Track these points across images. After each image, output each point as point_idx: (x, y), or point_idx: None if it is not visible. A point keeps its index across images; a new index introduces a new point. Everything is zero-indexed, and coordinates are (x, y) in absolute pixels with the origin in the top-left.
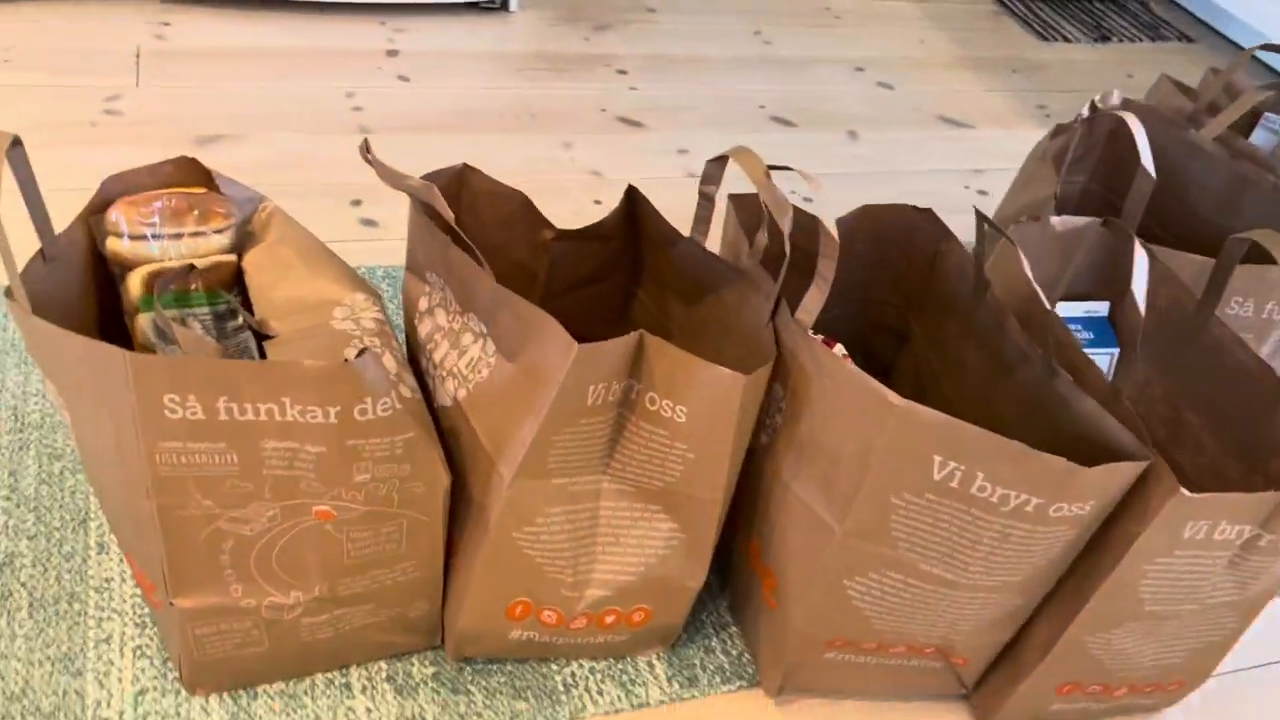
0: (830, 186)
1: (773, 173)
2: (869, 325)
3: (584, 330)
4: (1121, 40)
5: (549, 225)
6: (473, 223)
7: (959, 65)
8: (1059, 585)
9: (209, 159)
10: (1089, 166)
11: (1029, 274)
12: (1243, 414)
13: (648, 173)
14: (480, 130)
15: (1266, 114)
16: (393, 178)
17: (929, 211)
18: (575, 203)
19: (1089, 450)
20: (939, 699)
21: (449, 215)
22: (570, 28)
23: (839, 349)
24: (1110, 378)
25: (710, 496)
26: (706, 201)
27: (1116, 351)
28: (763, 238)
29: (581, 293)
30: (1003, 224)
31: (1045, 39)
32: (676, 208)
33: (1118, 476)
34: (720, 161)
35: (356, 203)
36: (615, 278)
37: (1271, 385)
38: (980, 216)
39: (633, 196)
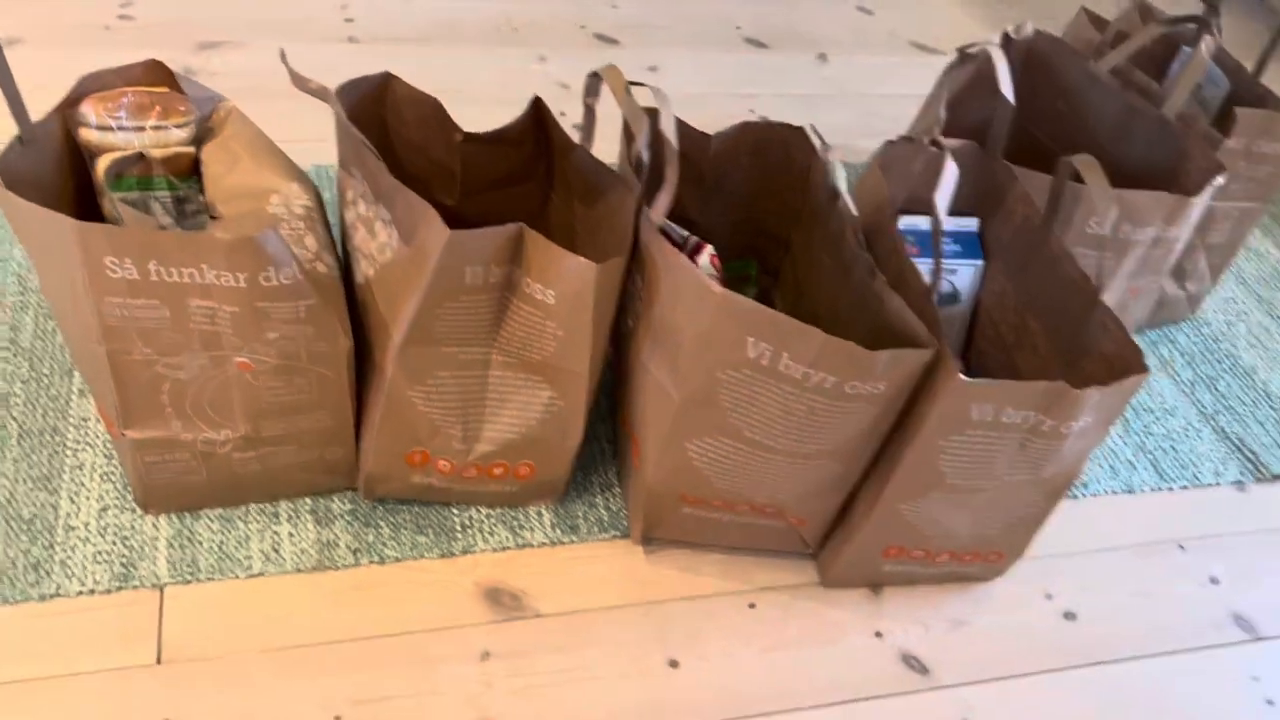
0: (792, 108)
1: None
2: (757, 231)
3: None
4: None
5: (458, 129)
6: (396, 124)
7: None
8: (876, 458)
9: (209, 63)
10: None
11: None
12: (1067, 320)
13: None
14: (462, 42)
15: (1183, 47)
16: (300, 82)
17: (800, 130)
18: None
19: (896, 341)
20: (789, 556)
21: (342, 115)
22: None
23: (709, 250)
24: (978, 286)
25: (579, 369)
26: (589, 112)
27: (981, 263)
28: (636, 149)
29: (499, 193)
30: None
31: None
32: None
33: (903, 361)
34: (597, 76)
35: None
36: (531, 180)
37: (1088, 294)
38: (814, 133)
39: (537, 106)
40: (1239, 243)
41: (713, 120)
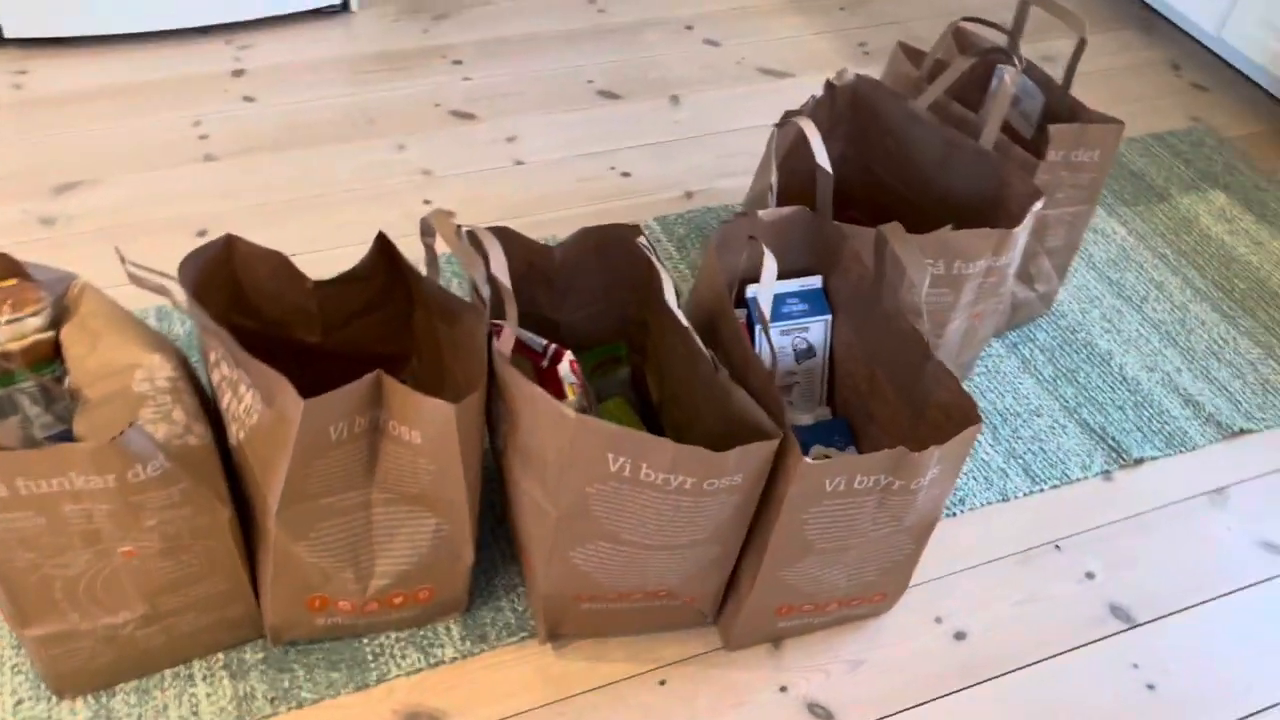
0: (649, 159)
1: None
2: (619, 318)
3: (374, 348)
4: None
5: (306, 278)
6: (248, 278)
7: (787, 9)
8: (752, 532)
9: (68, 207)
10: (842, 135)
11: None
12: (907, 372)
13: (477, 165)
14: (319, 142)
15: (998, 66)
16: (139, 281)
17: (636, 227)
18: (404, 205)
19: (745, 429)
20: (690, 629)
21: (187, 298)
22: (411, 20)
23: (568, 357)
24: (830, 338)
25: (457, 498)
26: (429, 251)
27: (829, 317)
28: (480, 277)
29: (362, 321)
30: (748, 206)
31: None
32: (506, 196)
33: (752, 454)
34: (428, 221)
35: (202, 233)
36: (391, 305)
37: (921, 348)
38: (646, 245)
39: (382, 242)
40: (1077, 242)
41: (575, 187)
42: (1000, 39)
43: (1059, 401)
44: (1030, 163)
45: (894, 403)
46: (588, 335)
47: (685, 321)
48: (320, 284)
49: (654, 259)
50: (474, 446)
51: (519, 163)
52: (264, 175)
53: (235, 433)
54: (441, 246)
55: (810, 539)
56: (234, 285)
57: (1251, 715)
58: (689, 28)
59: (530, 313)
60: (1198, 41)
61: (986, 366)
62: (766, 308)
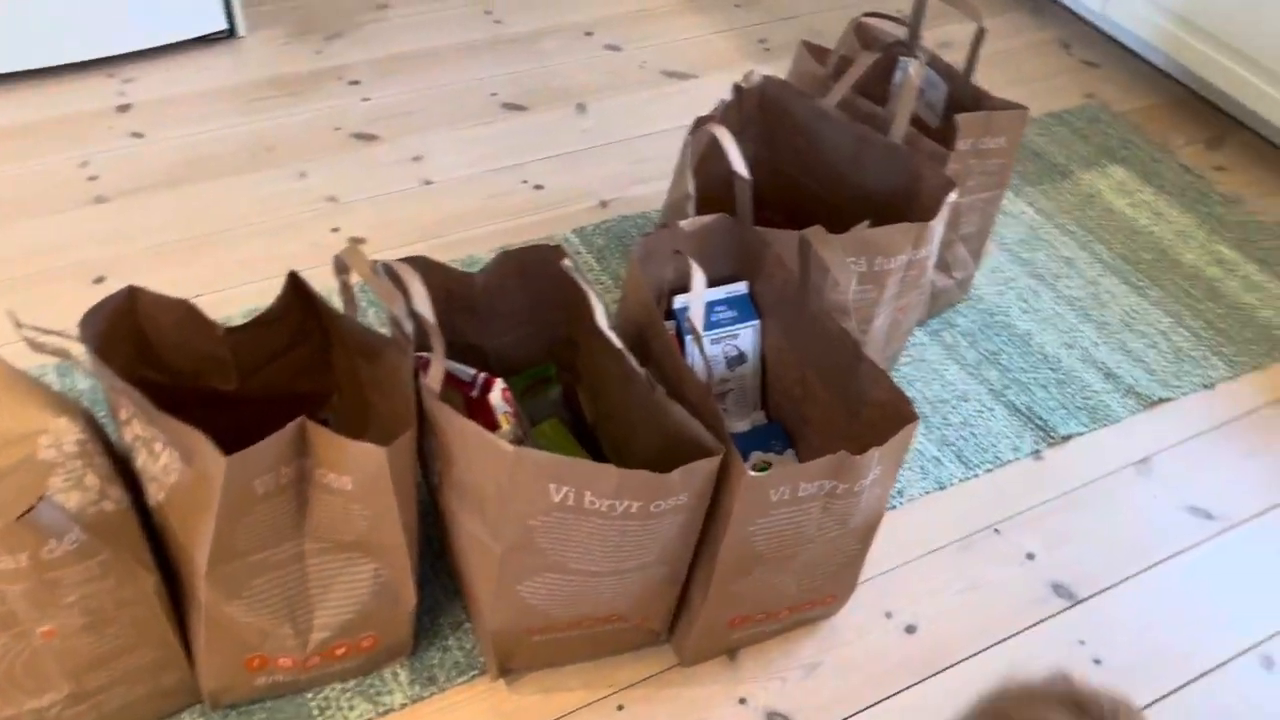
0: (560, 169)
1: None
2: (547, 338)
3: (292, 389)
4: None
5: (216, 325)
6: (154, 330)
7: (686, 9)
8: (700, 548)
9: None
10: (752, 136)
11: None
12: (839, 372)
13: (383, 188)
14: (216, 175)
15: (900, 58)
16: (37, 346)
17: (558, 248)
18: (311, 235)
19: (686, 446)
20: (644, 650)
21: (91, 357)
22: (301, 42)
23: (499, 385)
24: (760, 343)
25: (395, 542)
26: (345, 288)
27: (757, 322)
28: (401, 311)
29: (278, 363)
30: (663, 219)
31: None
32: (416, 218)
33: (696, 472)
34: (342, 259)
35: (99, 280)
36: (307, 344)
37: (853, 348)
38: (572, 269)
39: (294, 280)
40: (990, 226)
41: (487, 203)
42: (900, 31)
43: (984, 385)
44: (941, 154)
45: (828, 404)
46: (516, 359)
47: (619, 343)
48: (232, 330)
49: (582, 283)
50: (408, 487)
51: (427, 182)
52: (159, 214)
53: (154, 493)
54: (357, 278)
55: (759, 550)
56: (139, 338)
57: (1195, 680)
58: (588, 34)
59: (455, 341)
60: (1085, 20)
61: (911, 355)
62: (699, 320)
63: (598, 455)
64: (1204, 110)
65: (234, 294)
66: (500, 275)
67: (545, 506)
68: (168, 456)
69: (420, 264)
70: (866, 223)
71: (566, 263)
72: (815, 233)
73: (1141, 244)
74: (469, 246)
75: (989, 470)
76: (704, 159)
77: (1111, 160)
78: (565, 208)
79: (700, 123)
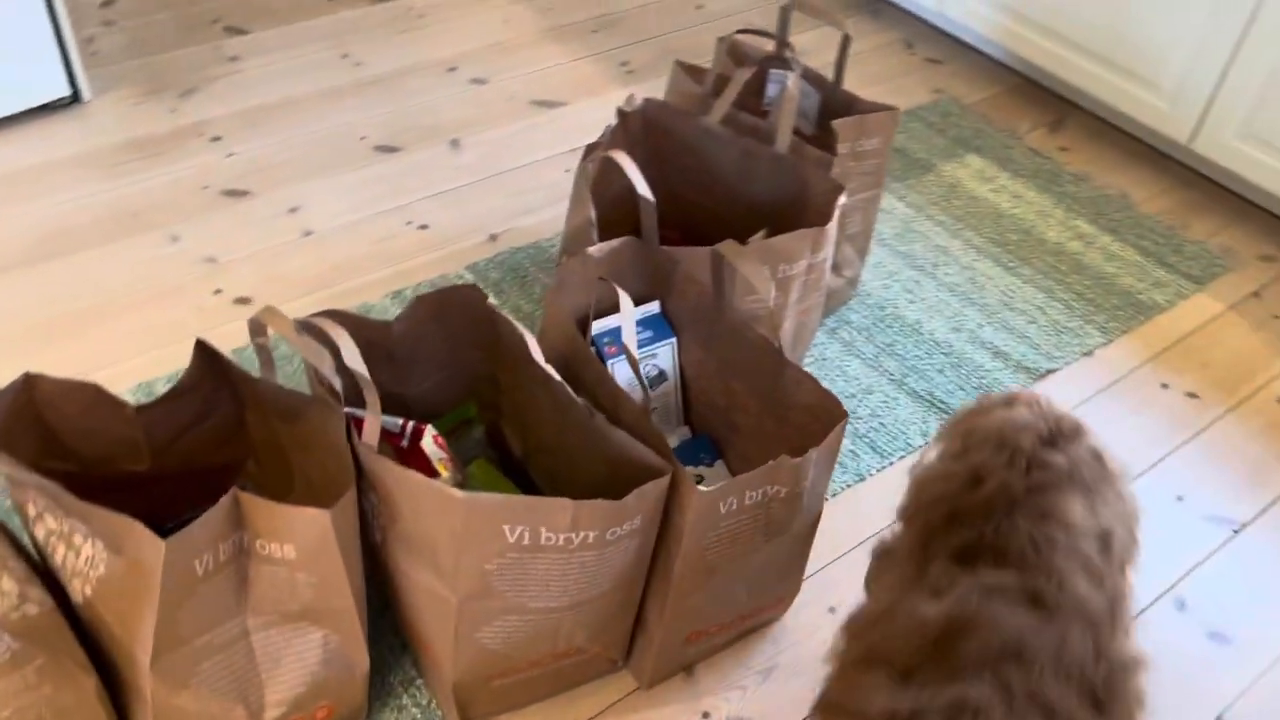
0: (443, 208)
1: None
2: (467, 377)
3: (204, 461)
4: None
5: (126, 405)
6: (57, 417)
7: (545, 39)
8: (653, 569)
9: None
10: (639, 158)
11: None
12: (764, 379)
13: (263, 243)
14: (83, 247)
15: (771, 70)
16: None
17: (475, 287)
18: (194, 299)
19: (632, 469)
20: (603, 678)
21: None
22: (154, 102)
23: (429, 432)
24: (676, 362)
25: (344, 605)
26: (262, 350)
27: (674, 339)
28: (325, 375)
29: (191, 435)
30: (563, 249)
31: None
32: (303, 270)
33: (648, 494)
34: (259, 320)
35: None
36: (219, 411)
37: (775, 354)
38: (498, 311)
39: (203, 350)
40: (872, 224)
41: (374, 248)
42: (765, 44)
43: (885, 376)
44: (825, 159)
45: (756, 411)
46: (437, 403)
47: (556, 375)
48: (143, 408)
49: (510, 319)
50: (353, 548)
51: (308, 233)
52: (26, 296)
53: (79, 589)
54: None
55: (711, 562)
56: (41, 428)
57: None
58: (452, 69)
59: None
60: (924, 20)
61: (813, 355)
62: (632, 343)
63: (530, 490)
64: (1043, 96)
65: (123, 370)
66: (417, 320)
67: (501, 549)
68: (91, 548)
69: (335, 317)
70: (763, 233)
71: (492, 301)
72: (728, 246)
73: (1007, 226)
74: (362, 294)
75: (903, 457)
76: (597, 184)
77: (967, 150)
78: (455, 245)
79: (591, 150)
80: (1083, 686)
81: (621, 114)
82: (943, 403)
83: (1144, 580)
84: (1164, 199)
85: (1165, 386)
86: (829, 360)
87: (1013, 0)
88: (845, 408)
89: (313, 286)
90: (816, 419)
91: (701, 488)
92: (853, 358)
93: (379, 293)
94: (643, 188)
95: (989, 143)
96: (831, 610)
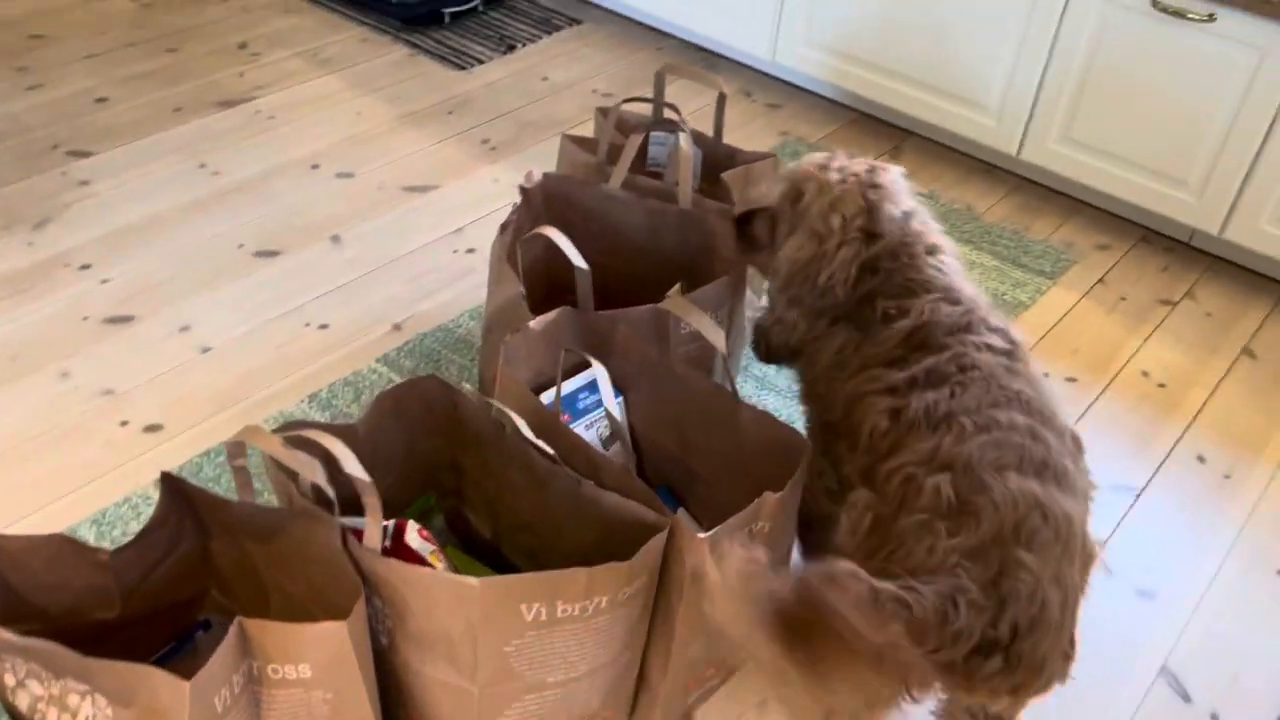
0: (341, 305)
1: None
2: (426, 468)
3: (167, 599)
4: (525, 44)
5: (98, 551)
6: (19, 575)
7: (401, 126)
8: (653, 625)
9: None
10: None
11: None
12: (719, 425)
13: (160, 367)
14: None
15: (653, 133)
16: None
17: (434, 377)
18: (100, 435)
19: (628, 529)
20: None
21: None
22: (7, 237)
23: (412, 526)
24: (626, 420)
25: (362, 714)
26: (241, 472)
27: (621, 399)
28: (305, 482)
29: (158, 572)
30: (490, 326)
31: (463, 68)
32: (208, 388)
33: (652, 549)
34: (240, 443)
35: None
36: (184, 543)
37: (728, 398)
38: (471, 393)
39: (170, 483)
40: None
41: (277, 355)
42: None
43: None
44: (725, 210)
45: (717, 455)
46: (400, 498)
47: (549, 449)
48: (116, 552)
49: (491, 402)
50: (367, 657)
51: (205, 349)
52: None
53: None
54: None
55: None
56: (4, 590)
57: None
58: (315, 166)
59: (342, 498)
60: (757, 69)
61: None
62: (612, 404)
63: (504, 571)
64: (879, 126)
65: (39, 520)
66: (378, 419)
67: (518, 628)
68: (92, 706)
69: (314, 427)
70: (678, 287)
71: (466, 386)
72: (675, 302)
73: None
74: (276, 404)
75: None
76: (510, 259)
77: None
78: (360, 340)
79: (504, 228)
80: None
81: (524, 190)
82: None
83: None
84: (1004, 206)
85: (1046, 375)
86: (746, 397)
87: (839, 42)
88: (808, 442)
89: (223, 403)
90: (778, 454)
91: (701, 534)
92: (767, 391)
93: (293, 400)
94: (577, 259)
95: None
96: None
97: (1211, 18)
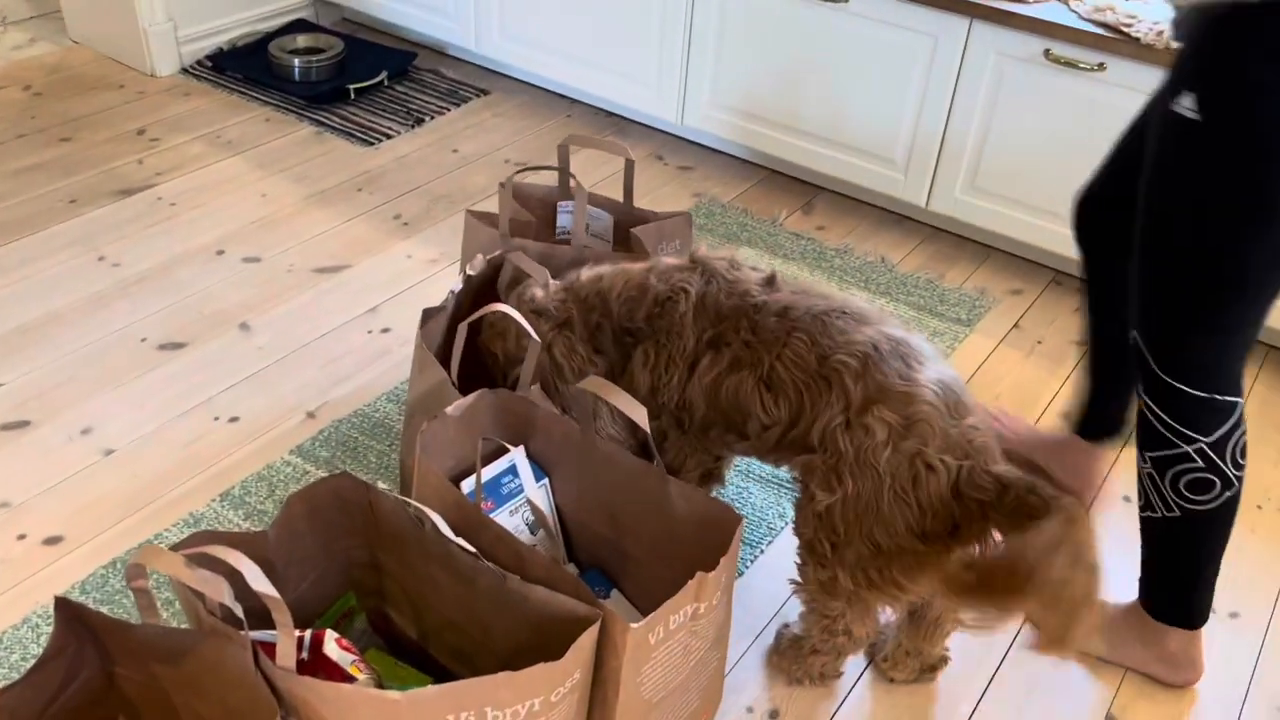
0: (250, 394)
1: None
2: (343, 568)
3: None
4: (433, 117)
5: None
6: None
7: (309, 206)
8: (590, 717)
9: None
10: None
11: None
12: (647, 502)
13: (59, 474)
14: None
15: (560, 203)
16: None
17: (347, 475)
18: (3, 552)
19: (557, 624)
20: None
21: None
22: None
23: (330, 635)
24: (552, 502)
25: None
26: (143, 594)
27: (545, 480)
28: (213, 599)
29: (57, 705)
30: (413, 412)
31: (371, 144)
32: (112, 494)
33: (584, 644)
34: (139, 565)
35: None
36: (85, 671)
37: (657, 474)
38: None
39: (66, 609)
40: None
41: (186, 453)
42: (541, 178)
43: (731, 470)
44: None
45: (647, 534)
46: (315, 601)
47: (470, 547)
48: (6, 690)
49: (407, 501)
50: None
51: (108, 452)
52: None
53: None
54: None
55: (647, 697)
56: None
57: None
58: (220, 252)
59: (256, 610)
60: (667, 133)
61: None
62: (536, 494)
63: (432, 671)
64: (790, 183)
65: None
66: (291, 521)
67: None
68: None
69: (216, 539)
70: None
71: (381, 484)
72: (597, 383)
73: None
74: (186, 505)
75: (770, 542)
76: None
77: (737, 244)
78: (272, 431)
79: (430, 314)
80: None
81: (467, 278)
82: (787, 481)
83: None
84: (918, 256)
85: None
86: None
87: (744, 103)
88: (740, 515)
89: (129, 509)
90: (710, 528)
91: (633, 625)
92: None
93: (203, 499)
94: (530, 331)
95: (754, 234)
96: (749, 710)
97: (1101, 67)
